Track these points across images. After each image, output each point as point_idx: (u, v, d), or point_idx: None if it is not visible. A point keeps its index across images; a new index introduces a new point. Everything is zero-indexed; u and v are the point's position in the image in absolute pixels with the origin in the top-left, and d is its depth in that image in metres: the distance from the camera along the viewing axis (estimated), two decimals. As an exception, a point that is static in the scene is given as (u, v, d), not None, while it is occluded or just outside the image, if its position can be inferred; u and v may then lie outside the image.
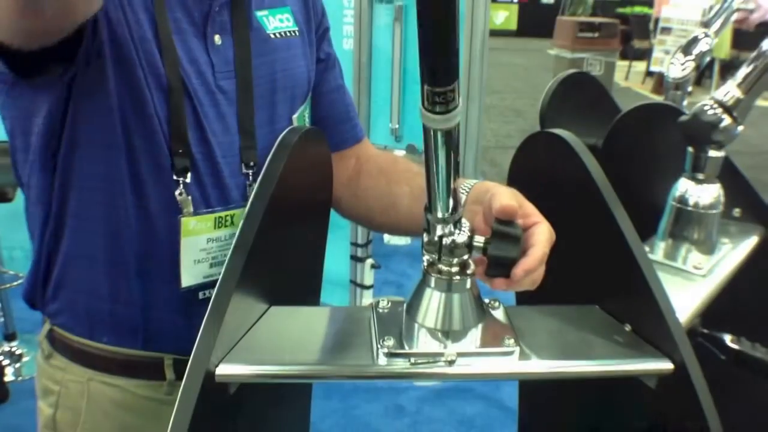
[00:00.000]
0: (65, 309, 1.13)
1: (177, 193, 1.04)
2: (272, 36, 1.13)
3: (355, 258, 3.62)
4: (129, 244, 1.06)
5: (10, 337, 3.36)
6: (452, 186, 0.71)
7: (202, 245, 1.07)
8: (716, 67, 10.52)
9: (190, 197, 1.05)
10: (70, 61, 0.94)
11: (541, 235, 0.83)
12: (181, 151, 1.03)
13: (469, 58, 2.92)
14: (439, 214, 0.75)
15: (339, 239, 3.50)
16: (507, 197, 0.84)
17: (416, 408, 3.25)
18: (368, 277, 3.67)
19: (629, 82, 12.76)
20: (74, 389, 1.15)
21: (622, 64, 12.38)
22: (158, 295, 1.10)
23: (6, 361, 3.28)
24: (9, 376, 3.21)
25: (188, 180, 1.04)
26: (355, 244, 3.57)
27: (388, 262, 4.17)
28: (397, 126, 3.30)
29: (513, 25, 20.21)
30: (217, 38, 1.06)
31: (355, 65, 3.30)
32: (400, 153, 3.28)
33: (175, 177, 1.04)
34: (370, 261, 3.63)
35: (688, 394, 0.75)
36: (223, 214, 1.09)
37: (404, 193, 1.19)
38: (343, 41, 3.32)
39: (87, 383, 1.14)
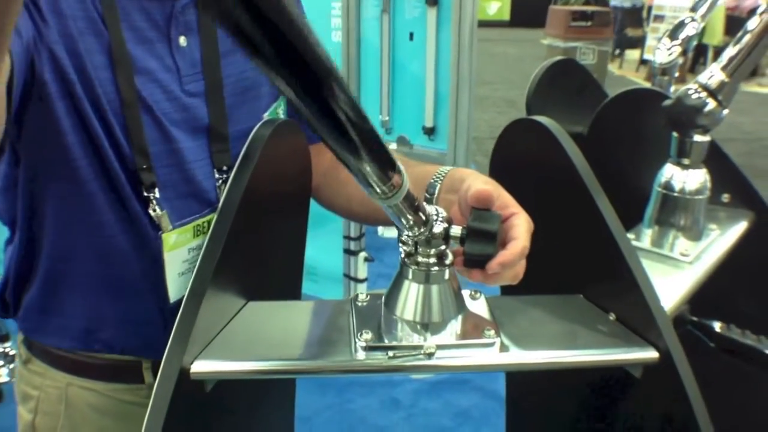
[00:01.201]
0: (38, 328, 1.12)
1: (150, 210, 1.01)
2: None
3: (348, 251, 3.60)
4: (111, 269, 1.04)
5: (2, 339, 3.34)
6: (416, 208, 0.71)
7: (184, 256, 1.06)
8: (710, 54, 10.53)
9: (165, 212, 1.02)
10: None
11: (520, 227, 0.80)
12: (145, 166, 0.99)
13: (458, 48, 2.90)
14: (412, 233, 0.76)
15: (332, 233, 3.49)
16: (481, 184, 0.82)
17: (412, 401, 3.24)
18: (362, 271, 3.65)
19: (623, 70, 12.76)
20: (53, 394, 1.13)
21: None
22: (143, 313, 1.08)
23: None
24: (3, 377, 3.19)
25: (157, 195, 1.01)
26: (348, 238, 3.55)
27: (382, 254, 4.14)
28: (387, 118, 3.29)
29: (506, 15, 20.23)
30: (182, 40, 1.02)
31: (343, 58, 3.28)
32: (392, 145, 3.26)
33: (145, 194, 1.00)
34: (363, 254, 3.61)
35: (673, 382, 0.74)
36: (200, 221, 1.07)
37: None
38: (332, 33, 3.30)
39: (66, 388, 1.12)
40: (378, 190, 0.62)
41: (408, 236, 0.77)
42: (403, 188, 0.63)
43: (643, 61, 11.92)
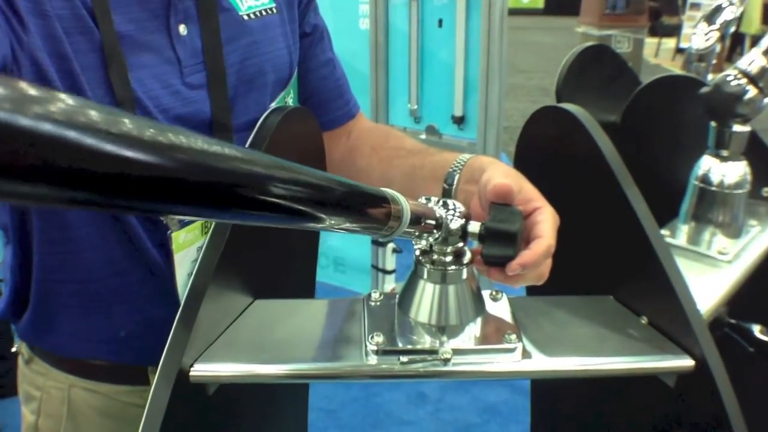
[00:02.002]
0: (43, 338, 1.08)
1: None
2: (246, 17, 1.02)
3: (376, 242, 3.57)
4: (120, 282, 1.00)
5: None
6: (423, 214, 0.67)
7: (193, 256, 1.00)
8: (747, 44, 10.35)
9: None
10: None
11: (545, 224, 0.75)
12: None
13: (488, 34, 2.84)
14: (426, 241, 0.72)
15: (359, 224, 3.45)
16: (501, 176, 0.76)
17: (439, 396, 3.19)
18: (390, 262, 3.62)
19: (659, 59, 12.58)
20: (56, 396, 1.10)
21: (651, 41, 12.22)
22: (151, 323, 1.03)
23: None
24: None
25: None
26: (376, 229, 3.51)
27: (410, 246, 4.10)
28: (416, 107, 3.25)
29: (540, 3, 20.07)
30: (182, 28, 0.95)
31: (372, 45, 3.24)
32: (420, 135, 3.22)
33: None
34: (391, 245, 3.57)
35: (709, 393, 0.69)
36: None
37: (396, 174, 1.10)
38: (360, 21, 3.26)
39: (68, 390, 1.08)
40: (381, 234, 0.58)
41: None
42: (405, 219, 0.59)
43: (679, 50, 11.74)
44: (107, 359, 1.06)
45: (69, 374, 1.08)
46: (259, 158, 0.39)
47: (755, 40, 10.03)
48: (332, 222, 0.48)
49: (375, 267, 3.64)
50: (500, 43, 2.86)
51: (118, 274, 0.99)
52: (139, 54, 0.91)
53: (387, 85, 3.32)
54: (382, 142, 1.17)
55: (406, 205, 0.59)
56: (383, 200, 0.56)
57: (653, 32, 12.57)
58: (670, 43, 12.77)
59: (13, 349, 1.14)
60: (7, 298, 1.06)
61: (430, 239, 0.70)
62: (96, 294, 1.00)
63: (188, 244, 0.99)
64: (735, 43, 10.78)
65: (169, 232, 0.96)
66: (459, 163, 0.91)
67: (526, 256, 0.71)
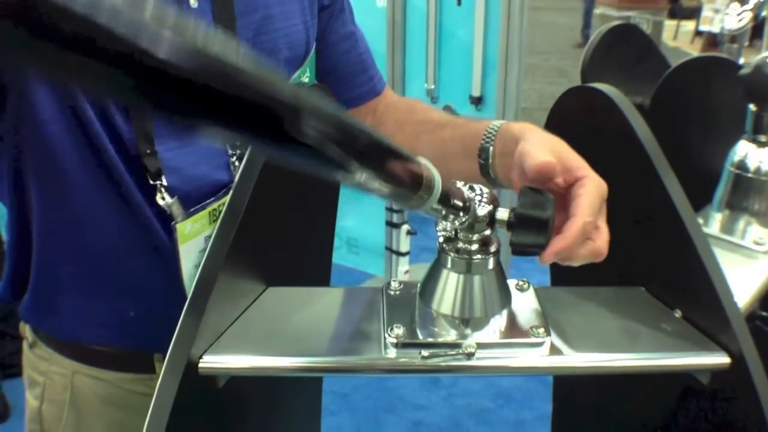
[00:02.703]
0: (45, 322, 1.05)
1: (159, 199, 0.91)
2: None
3: (390, 224, 3.54)
4: (122, 269, 0.97)
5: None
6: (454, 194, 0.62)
7: (201, 246, 0.96)
8: (767, 27, 10.20)
9: (175, 197, 0.92)
10: None
11: (583, 198, 0.67)
12: (149, 151, 0.89)
13: (508, 17, 2.80)
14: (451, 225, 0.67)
15: (374, 205, 3.43)
16: (541, 152, 0.68)
17: (452, 380, 3.17)
18: (404, 244, 3.59)
19: (678, 41, 12.45)
20: (59, 382, 1.07)
21: (670, 24, 12.08)
22: (156, 313, 0.99)
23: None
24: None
25: (165, 182, 0.91)
26: (390, 210, 3.49)
27: (425, 227, 4.06)
28: (433, 86, 3.21)
29: (557, -16, 19.88)
30: (192, 1, 0.91)
31: (389, 23, 3.21)
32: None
33: (151, 182, 0.91)
34: (406, 227, 3.54)
35: (744, 391, 0.66)
36: (216, 205, 0.97)
37: (424, 150, 1.04)
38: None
39: (72, 376, 1.05)
40: (409, 204, 0.54)
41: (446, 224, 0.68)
42: (435, 191, 0.55)
43: (698, 33, 11.60)
44: (110, 344, 1.03)
45: (72, 360, 1.05)
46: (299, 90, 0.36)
47: (778, 23, 9.90)
48: (362, 175, 0.44)
49: (389, 249, 3.61)
50: (520, 22, 2.81)
51: (121, 258, 0.96)
52: None
53: (404, 64, 3.29)
54: (407, 116, 1.11)
55: (438, 179, 0.55)
56: (417, 165, 0.53)
57: (672, 15, 12.42)
58: (689, 25, 12.63)
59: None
60: (6, 277, 1.03)
61: (456, 223, 0.65)
62: (97, 276, 0.97)
63: (195, 234, 0.95)
64: (756, 25, 10.63)
65: (173, 222, 0.92)
66: (490, 134, 0.84)
67: (557, 243, 0.65)
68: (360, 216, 3.50)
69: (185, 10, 0.89)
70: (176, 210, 0.92)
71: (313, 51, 1.07)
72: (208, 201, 0.96)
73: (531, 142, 0.72)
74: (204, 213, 0.95)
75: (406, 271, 3.61)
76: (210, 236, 0.94)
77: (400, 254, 3.60)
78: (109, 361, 1.04)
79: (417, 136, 1.03)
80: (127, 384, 1.06)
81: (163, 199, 0.91)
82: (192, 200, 0.94)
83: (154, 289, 0.98)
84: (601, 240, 0.69)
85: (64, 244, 0.95)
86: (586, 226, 0.66)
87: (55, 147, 0.87)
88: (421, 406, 3.03)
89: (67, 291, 0.99)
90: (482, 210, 0.66)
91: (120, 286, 0.98)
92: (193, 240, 0.94)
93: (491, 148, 0.84)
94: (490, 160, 0.84)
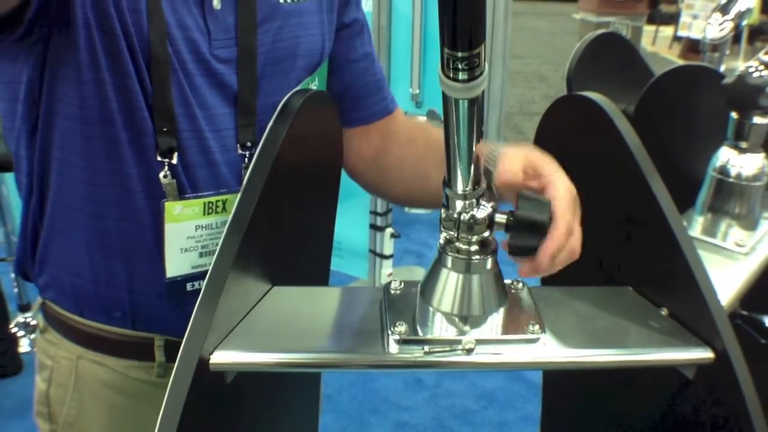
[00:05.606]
0: (52, 284, 1.08)
1: (162, 175, 0.96)
2: (282, 1, 1.01)
3: (374, 227, 3.56)
4: (111, 226, 1.00)
5: (24, 308, 3.33)
6: (474, 159, 0.64)
7: (190, 232, 1.00)
8: (744, 34, 10.30)
9: (174, 180, 0.97)
10: (24, 24, 0.84)
11: (559, 201, 0.74)
12: (165, 129, 0.94)
13: (492, 21, 2.83)
14: (460, 189, 0.68)
15: (358, 207, 3.45)
16: (509, 163, 0.75)
17: (436, 381, 3.20)
18: (388, 247, 3.61)
19: (656, 47, 12.55)
20: (65, 366, 1.10)
21: (649, 29, 12.18)
22: (143, 282, 1.03)
23: (20, 332, 3.25)
24: (24, 347, 3.19)
25: (174, 162, 0.96)
26: (374, 213, 3.51)
27: (409, 230, 4.10)
28: (417, 91, 3.23)
29: (537, -11, 19.98)
30: (216, 2, 0.96)
31: (374, 28, 3.23)
32: (421, 119, 3.20)
33: (159, 158, 0.95)
34: (389, 230, 3.57)
35: (726, 385, 0.69)
36: (213, 198, 1.00)
37: (431, 167, 1.10)
38: (363, 3, 3.23)
39: (76, 361, 1.09)
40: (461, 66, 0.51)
41: (457, 195, 0.69)
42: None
43: (677, 38, 11.70)
44: (109, 320, 1.06)
45: (78, 345, 1.09)
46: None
47: (753, 30, 10.00)
48: None
49: (373, 251, 3.63)
50: (504, 27, 2.85)
51: (119, 218, 1.00)
52: (175, 14, 0.93)
53: (389, 69, 3.31)
54: (419, 134, 1.19)
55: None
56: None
57: (651, 20, 12.53)
58: (667, 31, 12.73)
59: (33, 322, 1.16)
60: (20, 246, 1.08)
61: (459, 206, 0.69)
62: (98, 229, 1.01)
63: (184, 219, 0.98)
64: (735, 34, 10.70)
65: (163, 200, 0.96)
66: (490, 159, 0.90)
67: (549, 247, 0.72)
68: (344, 219, 3.50)
69: (207, 10, 0.95)
70: (171, 189, 0.96)
71: (325, 63, 1.11)
72: (207, 192, 1.00)
73: (504, 155, 0.79)
74: (198, 201, 0.98)
75: (390, 274, 3.62)
76: (203, 226, 0.98)
77: (383, 257, 3.62)
78: (112, 347, 1.08)
79: (426, 153, 1.12)
80: (129, 371, 1.09)
81: (165, 177, 0.95)
82: (192, 186, 0.99)
83: (141, 256, 1.02)
84: (575, 240, 0.75)
85: (75, 191, 0.99)
86: (569, 224, 0.73)
87: (85, 93, 0.91)
88: (406, 407, 3.05)
89: (71, 239, 1.02)
90: (482, 213, 0.70)
91: (116, 245, 1.01)
92: (183, 224, 0.98)
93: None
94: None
